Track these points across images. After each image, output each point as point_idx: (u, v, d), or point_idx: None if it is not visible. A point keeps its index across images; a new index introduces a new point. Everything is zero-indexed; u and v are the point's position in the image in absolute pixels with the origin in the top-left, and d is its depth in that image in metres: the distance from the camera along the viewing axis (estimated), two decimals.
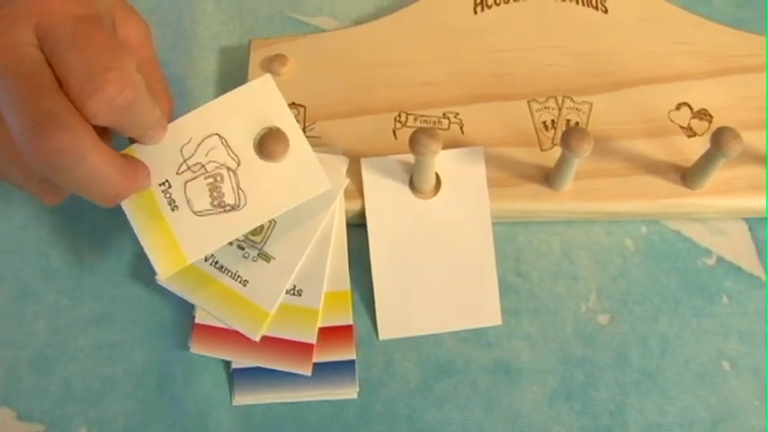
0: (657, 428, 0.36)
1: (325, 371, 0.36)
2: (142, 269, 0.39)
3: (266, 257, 0.36)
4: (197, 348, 0.36)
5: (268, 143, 0.34)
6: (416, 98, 0.40)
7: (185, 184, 0.33)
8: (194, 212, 0.33)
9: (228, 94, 0.34)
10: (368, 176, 0.38)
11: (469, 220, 0.37)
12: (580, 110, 0.40)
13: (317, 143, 0.39)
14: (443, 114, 0.40)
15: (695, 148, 0.38)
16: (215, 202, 0.33)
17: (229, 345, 0.36)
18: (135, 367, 0.38)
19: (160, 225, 0.33)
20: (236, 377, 0.37)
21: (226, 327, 0.36)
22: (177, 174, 0.33)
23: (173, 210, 0.33)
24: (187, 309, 0.37)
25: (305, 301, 0.36)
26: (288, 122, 0.33)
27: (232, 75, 0.44)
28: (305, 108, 0.40)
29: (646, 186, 0.38)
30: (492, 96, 0.40)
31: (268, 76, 0.34)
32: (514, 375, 0.37)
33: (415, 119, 0.40)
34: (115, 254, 0.40)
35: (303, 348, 0.36)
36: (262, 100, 0.34)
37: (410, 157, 0.38)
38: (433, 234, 0.37)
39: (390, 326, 0.37)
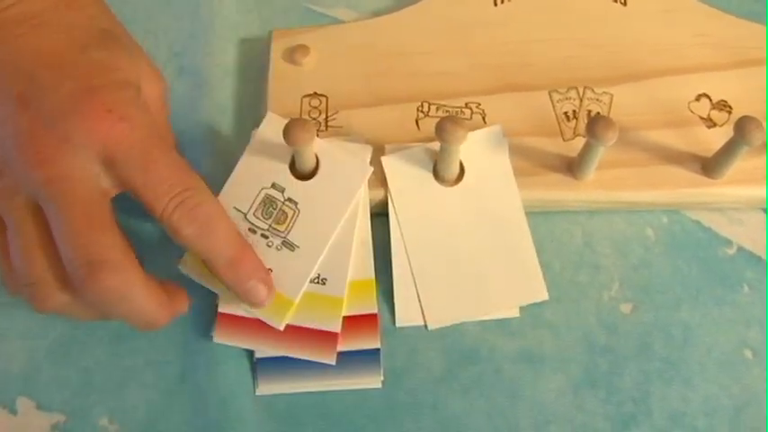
0: (681, 416, 0.36)
1: (349, 360, 0.36)
2: (163, 258, 0.39)
3: (290, 246, 0.36)
4: (220, 338, 0.36)
5: (293, 131, 0.34)
6: (438, 88, 0.40)
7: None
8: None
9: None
10: (391, 164, 0.38)
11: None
12: (601, 101, 0.40)
13: (340, 133, 0.39)
14: (465, 104, 0.40)
15: (715, 139, 0.38)
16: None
17: (253, 334, 0.36)
18: (157, 357, 0.37)
19: None
20: (260, 367, 0.36)
21: (249, 316, 0.36)
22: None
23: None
24: (210, 298, 0.37)
25: (329, 290, 0.36)
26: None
27: (251, 66, 0.44)
28: (327, 98, 0.40)
29: (667, 176, 0.38)
30: (513, 87, 0.40)
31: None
32: (538, 364, 0.37)
33: (438, 108, 0.40)
34: (135, 242, 0.39)
35: (327, 337, 0.36)
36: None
37: (434, 146, 0.38)
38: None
39: (407, 313, 0.37)
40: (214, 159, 0.41)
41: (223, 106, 0.43)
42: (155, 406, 0.36)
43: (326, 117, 0.40)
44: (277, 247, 0.36)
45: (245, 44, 0.45)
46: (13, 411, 0.36)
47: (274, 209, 0.36)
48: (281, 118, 0.38)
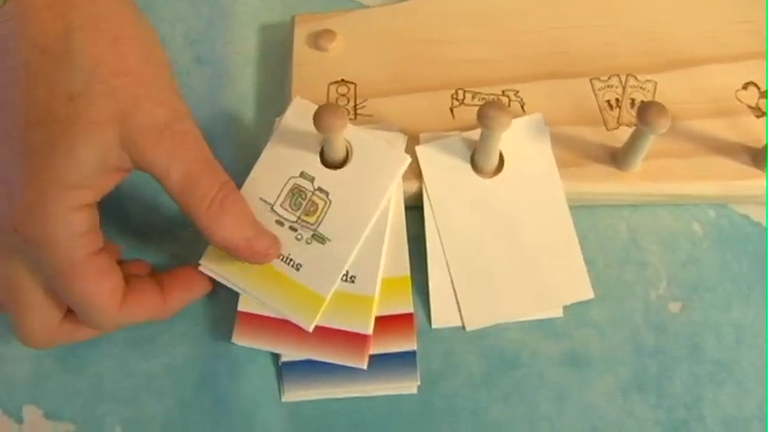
0: (735, 422, 0.34)
1: (382, 363, 0.34)
2: (182, 256, 0.37)
3: (321, 239, 0.34)
4: (240, 339, 0.34)
5: (325, 117, 0.32)
6: (472, 76, 0.38)
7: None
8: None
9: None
10: (426, 154, 0.36)
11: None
12: (644, 89, 0.38)
13: (370, 121, 0.37)
14: (503, 92, 0.38)
15: (765, 129, 0.36)
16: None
17: (276, 335, 0.34)
18: (174, 362, 0.35)
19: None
20: (286, 371, 0.34)
21: (272, 315, 0.34)
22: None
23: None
24: (232, 298, 0.35)
25: (359, 288, 0.34)
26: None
27: (273, 53, 0.42)
28: (355, 85, 0.38)
29: (716, 167, 0.36)
30: (552, 74, 0.38)
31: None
32: (584, 367, 0.34)
33: (473, 96, 0.37)
34: (152, 241, 0.37)
35: (357, 340, 0.33)
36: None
37: (472, 134, 0.36)
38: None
39: (443, 314, 0.35)
40: (235, 151, 0.38)
41: (244, 96, 0.40)
42: (171, 415, 0.34)
43: (355, 105, 0.38)
44: (307, 241, 0.34)
45: (267, 30, 0.42)
46: (19, 420, 0.34)
47: (303, 199, 0.34)
48: (309, 102, 0.35)
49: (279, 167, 0.35)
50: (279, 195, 0.34)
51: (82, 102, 0.28)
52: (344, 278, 0.34)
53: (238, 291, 0.34)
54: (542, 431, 0.33)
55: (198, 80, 0.41)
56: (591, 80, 0.38)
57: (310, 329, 0.33)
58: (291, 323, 0.33)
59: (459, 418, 0.34)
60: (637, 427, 0.33)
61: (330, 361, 0.33)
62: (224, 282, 0.34)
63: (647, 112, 0.32)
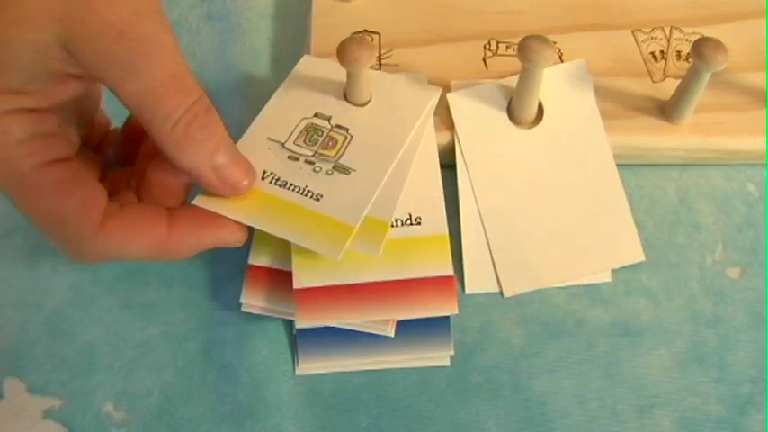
0: None
1: (411, 330, 0.30)
2: None
3: (344, 170, 0.30)
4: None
5: (351, 49, 0.29)
6: (504, 27, 0.36)
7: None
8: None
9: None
10: (458, 103, 0.33)
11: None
12: (690, 41, 0.35)
13: (396, 71, 0.34)
14: None
15: None
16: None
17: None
18: (174, 330, 0.31)
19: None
20: (301, 341, 0.30)
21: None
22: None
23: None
24: (239, 259, 0.31)
25: (427, 229, 0.31)
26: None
27: (289, 7, 0.39)
28: (379, 35, 0.35)
29: None
30: (591, 26, 0.36)
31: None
32: (636, 337, 0.31)
33: (507, 47, 0.35)
34: None
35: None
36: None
37: (508, 81, 0.33)
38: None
39: (478, 278, 0.31)
40: (248, 106, 0.36)
41: (257, 51, 0.38)
42: (171, 389, 0.30)
43: (380, 55, 0.35)
44: (327, 172, 0.30)
45: None
46: (0, 394, 0.30)
47: (320, 135, 0.31)
48: (319, 58, 0.33)
49: (290, 110, 0.32)
50: (291, 134, 0.31)
51: None
52: (409, 222, 0.31)
53: (235, 218, 0.29)
54: (592, 408, 0.29)
55: (209, 36, 0.38)
56: (633, 32, 0.36)
57: (338, 257, 0.29)
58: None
59: (498, 394, 0.30)
60: (697, 403, 0.30)
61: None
62: (222, 212, 0.29)
63: (703, 46, 0.29)
